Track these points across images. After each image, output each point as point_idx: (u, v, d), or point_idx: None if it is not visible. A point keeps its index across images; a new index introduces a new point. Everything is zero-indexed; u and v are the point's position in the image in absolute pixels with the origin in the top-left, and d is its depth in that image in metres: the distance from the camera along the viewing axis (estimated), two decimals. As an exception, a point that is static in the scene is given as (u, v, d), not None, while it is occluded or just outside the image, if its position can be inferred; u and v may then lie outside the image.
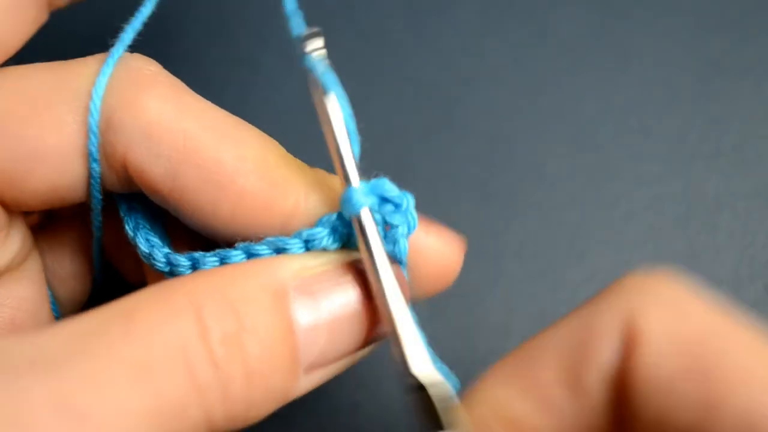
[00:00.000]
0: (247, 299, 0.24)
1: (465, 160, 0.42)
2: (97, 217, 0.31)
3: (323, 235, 0.27)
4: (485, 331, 0.38)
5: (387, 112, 0.43)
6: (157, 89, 0.28)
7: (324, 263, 0.26)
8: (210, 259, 0.28)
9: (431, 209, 0.41)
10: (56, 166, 0.28)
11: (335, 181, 0.29)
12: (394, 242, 0.28)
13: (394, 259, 0.28)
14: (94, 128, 0.28)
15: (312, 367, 0.26)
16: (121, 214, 0.31)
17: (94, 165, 0.28)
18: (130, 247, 0.32)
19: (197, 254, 0.28)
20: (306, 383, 0.26)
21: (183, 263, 0.28)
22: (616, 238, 0.40)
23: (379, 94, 0.44)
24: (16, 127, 0.27)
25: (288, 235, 0.28)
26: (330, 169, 0.29)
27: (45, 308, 0.32)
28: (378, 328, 0.27)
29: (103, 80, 0.28)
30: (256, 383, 0.24)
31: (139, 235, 0.30)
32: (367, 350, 0.27)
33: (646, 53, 0.44)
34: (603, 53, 0.45)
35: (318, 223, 0.27)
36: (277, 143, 0.29)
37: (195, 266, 0.28)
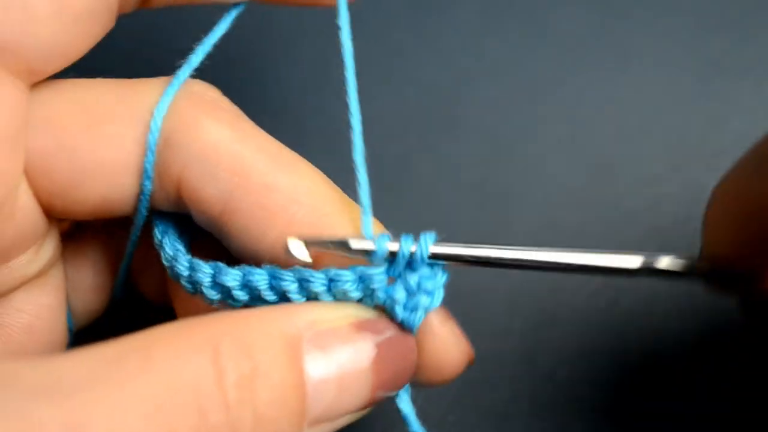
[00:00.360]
0: (263, 344, 0.24)
1: (465, 160, 0.42)
2: (136, 233, 0.32)
3: (348, 280, 0.28)
4: (485, 331, 0.38)
5: (387, 112, 0.43)
6: (217, 114, 0.29)
7: (340, 318, 0.27)
8: (232, 271, 0.28)
9: (431, 209, 0.41)
10: (110, 180, 0.29)
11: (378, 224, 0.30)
12: (413, 309, 0.28)
13: (405, 326, 0.28)
14: (152, 146, 0.28)
15: (317, 421, 0.26)
16: (154, 220, 0.31)
17: (147, 182, 0.29)
18: (155, 266, 0.33)
19: (220, 264, 0.28)
20: None
21: (204, 270, 0.28)
22: (616, 238, 0.40)
23: (379, 94, 0.44)
24: (74, 138, 0.28)
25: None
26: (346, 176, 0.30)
27: (62, 318, 0.32)
28: (384, 389, 0.27)
29: (166, 100, 0.29)
30: (264, 429, 0.24)
31: (166, 239, 0.30)
32: (369, 409, 0.27)
33: (646, 53, 0.44)
34: (603, 53, 0.44)
35: (349, 268, 0.28)
36: (327, 178, 0.30)
37: (215, 275, 0.28)
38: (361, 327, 0.27)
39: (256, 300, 0.29)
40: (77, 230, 0.34)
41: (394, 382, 0.27)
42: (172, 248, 0.30)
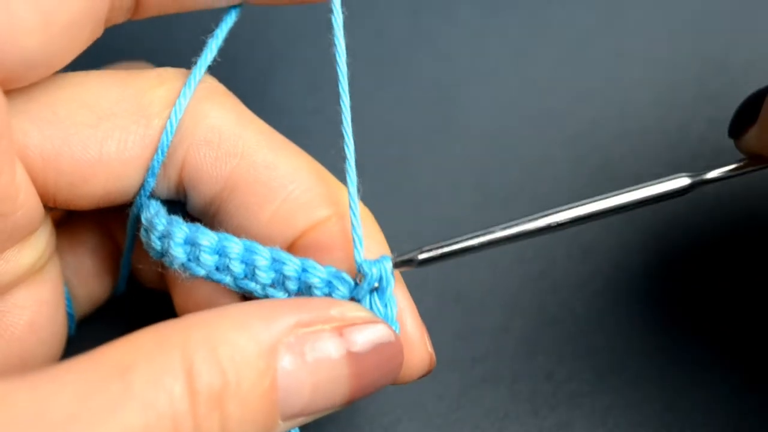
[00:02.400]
0: (235, 356, 0.25)
1: (465, 160, 0.42)
2: (132, 224, 0.32)
3: (318, 276, 0.28)
4: (485, 331, 0.38)
5: (387, 112, 0.43)
6: (218, 99, 0.31)
7: (324, 320, 0.27)
8: (209, 232, 0.29)
9: (431, 209, 0.41)
10: (115, 174, 0.29)
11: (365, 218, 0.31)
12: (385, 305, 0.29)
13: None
14: (165, 146, 0.30)
15: (293, 418, 0.26)
16: (144, 203, 0.32)
17: (151, 179, 0.30)
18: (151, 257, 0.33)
19: (200, 225, 0.29)
20: (285, 427, 0.26)
21: (181, 227, 0.29)
22: (616, 239, 0.40)
23: (379, 94, 0.44)
24: (82, 134, 0.29)
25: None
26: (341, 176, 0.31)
27: (61, 311, 0.33)
28: (364, 392, 0.27)
29: (185, 99, 0.30)
30: None
31: (152, 208, 0.31)
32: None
33: (645, 53, 0.44)
34: (603, 53, 0.44)
35: (326, 268, 0.29)
36: (318, 164, 0.32)
37: (190, 233, 0.29)
38: (346, 331, 0.27)
39: (223, 270, 0.29)
40: (71, 218, 0.35)
41: (375, 385, 0.28)
42: (156, 207, 0.30)
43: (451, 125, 0.43)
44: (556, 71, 0.44)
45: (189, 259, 0.29)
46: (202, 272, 0.29)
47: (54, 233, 0.32)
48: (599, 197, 0.30)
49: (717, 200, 0.41)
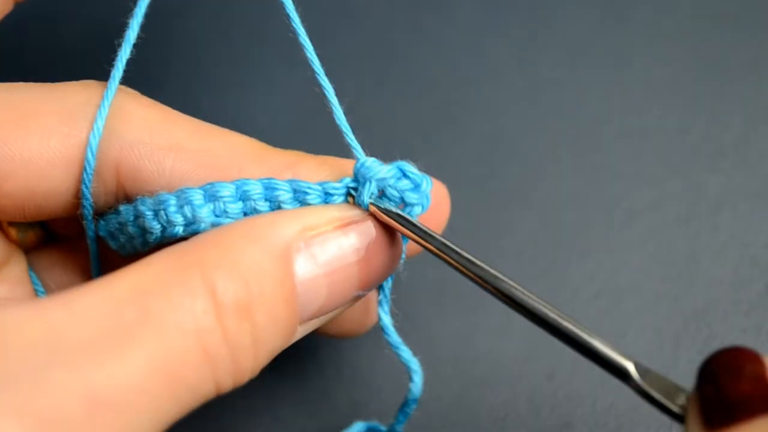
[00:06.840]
0: (254, 267, 0.25)
1: (465, 159, 0.42)
2: (90, 226, 0.32)
3: (341, 194, 0.29)
4: (485, 331, 0.38)
5: (387, 112, 0.43)
6: (141, 101, 0.31)
7: (326, 222, 0.28)
8: (226, 183, 0.29)
9: (431, 209, 0.41)
10: (38, 172, 0.29)
11: (318, 160, 0.31)
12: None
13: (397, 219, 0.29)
14: (95, 142, 0.29)
15: (309, 319, 0.28)
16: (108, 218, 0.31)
17: (87, 171, 0.29)
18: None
19: (207, 187, 0.29)
20: (302, 332, 0.28)
21: (197, 190, 0.29)
22: (616, 238, 0.40)
23: (379, 94, 0.44)
24: (4, 132, 0.28)
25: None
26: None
27: None
28: (370, 284, 0.29)
29: (109, 97, 0.29)
30: (261, 348, 0.26)
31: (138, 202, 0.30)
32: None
33: (646, 53, 0.44)
34: (603, 53, 0.45)
35: (340, 181, 0.29)
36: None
37: (208, 189, 0.29)
38: (348, 228, 0.28)
39: (251, 214, 0.29)
40: (54, 240, 0.34)
41: (379, 276, 0.29)
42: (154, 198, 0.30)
43: (451, 125, 0.43)
44: (556, 71, 0.44)
45: (217, 215, 0.29)
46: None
47: (3, 240, 0.32)
48: (563, 320, 0.29)
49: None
